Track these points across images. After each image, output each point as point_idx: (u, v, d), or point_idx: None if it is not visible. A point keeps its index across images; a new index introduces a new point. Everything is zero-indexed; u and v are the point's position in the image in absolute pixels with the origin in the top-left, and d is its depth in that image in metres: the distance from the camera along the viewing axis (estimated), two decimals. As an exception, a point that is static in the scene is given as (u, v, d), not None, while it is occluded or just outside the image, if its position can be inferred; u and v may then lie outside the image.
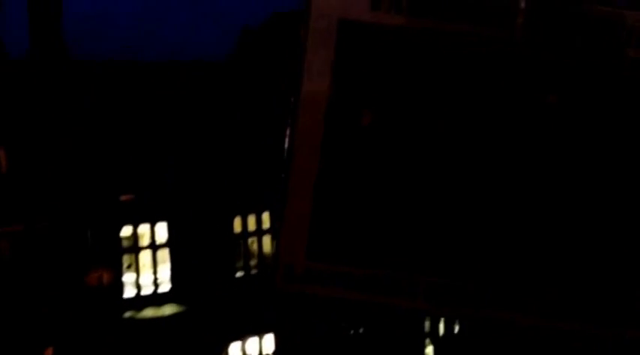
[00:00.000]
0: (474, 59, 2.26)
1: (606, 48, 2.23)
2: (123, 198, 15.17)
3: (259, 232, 16.25)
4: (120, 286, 15.13)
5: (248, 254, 16.24)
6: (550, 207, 2.28)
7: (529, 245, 2.27)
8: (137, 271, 15.42)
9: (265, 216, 16.27)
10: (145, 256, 15.54)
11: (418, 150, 2.28)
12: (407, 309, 2.28)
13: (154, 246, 15.44)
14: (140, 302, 15.35)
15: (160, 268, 15.59)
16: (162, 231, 15.58)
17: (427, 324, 16.37)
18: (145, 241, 15.51)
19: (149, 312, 15.35)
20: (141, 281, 15.46)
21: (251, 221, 16.26)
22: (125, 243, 15.34)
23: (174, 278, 15.62)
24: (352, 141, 2.29)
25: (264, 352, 16.37)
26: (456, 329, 16.29)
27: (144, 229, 15.45)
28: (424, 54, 2.27)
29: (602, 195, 2.28)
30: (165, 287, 15.66)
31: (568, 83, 2.26)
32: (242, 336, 16.03)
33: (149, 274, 15.60)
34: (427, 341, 16.46)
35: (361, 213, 2.26)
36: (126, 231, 15.23)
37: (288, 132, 2.28)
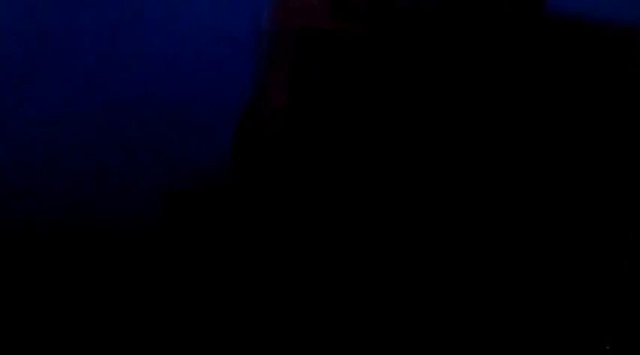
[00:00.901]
0: (435, 64, 2.25)
1: (611, 66, 2.24)
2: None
3: None
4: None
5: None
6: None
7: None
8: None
9: None
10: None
11: (378, 153, 2.26)
12: None
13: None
14: None
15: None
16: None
17: None
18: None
19: None
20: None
21: None
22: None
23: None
24: (313, 151, 2.26)
25: None
26: None
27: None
28: (383, 59, 2.26)
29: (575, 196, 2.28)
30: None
31: (558, 98, 2.27)
32: None
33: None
34: None
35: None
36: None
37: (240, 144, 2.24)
